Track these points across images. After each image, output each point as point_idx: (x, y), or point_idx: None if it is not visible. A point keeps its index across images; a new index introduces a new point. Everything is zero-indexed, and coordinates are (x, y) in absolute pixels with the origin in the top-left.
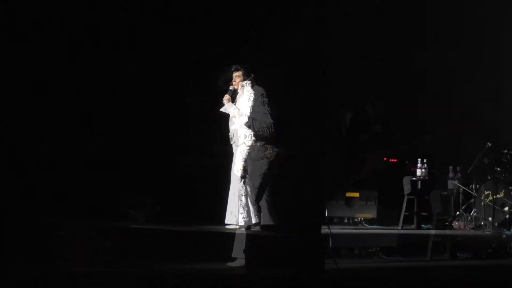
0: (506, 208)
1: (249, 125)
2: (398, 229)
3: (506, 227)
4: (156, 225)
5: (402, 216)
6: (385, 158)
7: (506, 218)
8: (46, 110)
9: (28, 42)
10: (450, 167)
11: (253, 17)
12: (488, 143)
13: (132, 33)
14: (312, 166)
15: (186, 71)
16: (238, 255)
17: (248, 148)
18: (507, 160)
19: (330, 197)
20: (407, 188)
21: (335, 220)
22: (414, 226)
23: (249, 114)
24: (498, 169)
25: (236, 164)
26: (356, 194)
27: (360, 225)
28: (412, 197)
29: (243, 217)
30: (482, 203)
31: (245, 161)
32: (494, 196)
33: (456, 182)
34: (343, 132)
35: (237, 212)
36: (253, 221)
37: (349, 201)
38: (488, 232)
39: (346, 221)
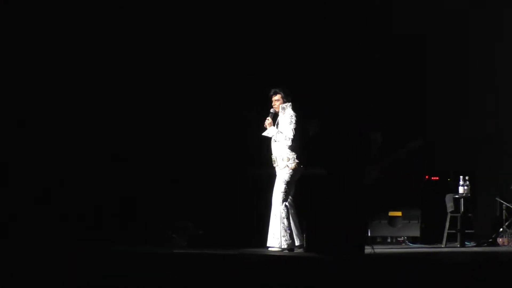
0: None
1: (272, 135)
2: (441, 247)
3: None
4: (198, 249)
5: (445, 234)
6: (427, 177)
7: None
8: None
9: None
10: (461, 176)
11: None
12: None
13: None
14: (353, 186)
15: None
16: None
17: (291, 171)
18: None
19: (373, 217)
20: (449, 206)
21: (378, 240)
22: (457, 244)
23: (292, 137)
24: None
25: (277, 187)
26: (399, 213)
27: (403, 244)
28: (455, 214)
29: (286, 240)
30: None
31: (287, 184)
32: None
33: (465, 188)
34: (375, 152)
35: (279, 234)
36: (296, 243)
37: (392, 220)
38: None
39: (389, 240)
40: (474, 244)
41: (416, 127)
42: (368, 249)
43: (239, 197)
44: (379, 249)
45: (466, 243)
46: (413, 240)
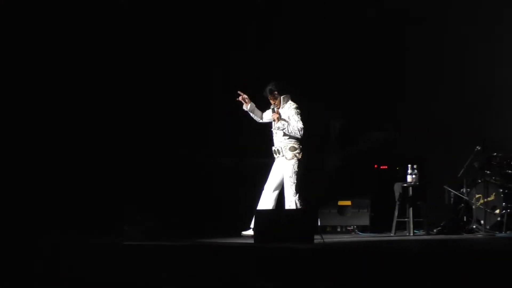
0: (497, 211)
1: (283, 128)
2: (391, 235)
3: (498, 229)
4: (151, 241)
5: (394, 223)
6: (375, 166)
7: (497, 220)
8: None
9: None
10: (409, 165)
11: None
12: (477, 147)
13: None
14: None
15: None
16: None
17: (298, 162)
18: (496, 163)
19: (323, 206)
20: (398, 195)
21: (328, 229)
22: (407, 232)
23: (302, 126)
24: (488, 172)
25: (288, 179)
26: (348, 203)
27: (353, 233)
28: (404, 203)
29: None
30: (473, 207)
31: (297, 174)
32: (485, 199)
33: (413, 176)
34: (333, 141)
35: None
36: None
37: (342, 209)
38: (480, 235)
39: (339, 229)
40: (423, 232)
41: (371, 117)
42: (317, 239)
43: (197, 188)
44: (329, 239)
45: (415, 231)
46: (363, 229)
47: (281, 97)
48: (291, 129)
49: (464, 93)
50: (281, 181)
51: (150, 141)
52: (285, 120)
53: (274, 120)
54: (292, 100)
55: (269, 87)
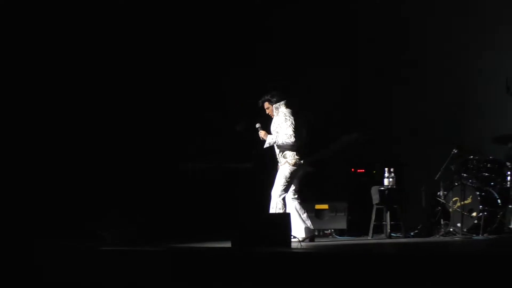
0: (474, 214)
1: (274, 142)
2: (368, 239)
3: (474, 232)
4: (128, 246)
5: (371, 226)
6: (352, 169)
7: (474, 223)
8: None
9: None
10: (386, 168)
11: None
12: (454, 150)
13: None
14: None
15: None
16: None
17: (291, 167)
18: (473, 166)
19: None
20: (375, 198)
21: None
22: (384, 235)
23: (292, 132)
24: (465, 175)
25: (277, 182)
26: (326, 206)
27: (330, 236)
28: (381, 206)
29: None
30: (450, 210)
31: (286, 179)
32: (462, 202)
33: (390, 179)
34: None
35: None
36: (304, 234)
37: (319, 213)
38: (457, 238)
39: (316, 233)
40: (401, 236)
41: (346, 121)
42: (295, 241)
43: (176, 192)
44: (306, 242)
45: (392, 234)
46: (340, 232)
47: (273, 106)
48: (281, 139)
49: (441, 95)
50: None
51: (136, 146)
52: (271, 134)
53: (262, 139)
54: (288, 107)
55: (262, 99)
